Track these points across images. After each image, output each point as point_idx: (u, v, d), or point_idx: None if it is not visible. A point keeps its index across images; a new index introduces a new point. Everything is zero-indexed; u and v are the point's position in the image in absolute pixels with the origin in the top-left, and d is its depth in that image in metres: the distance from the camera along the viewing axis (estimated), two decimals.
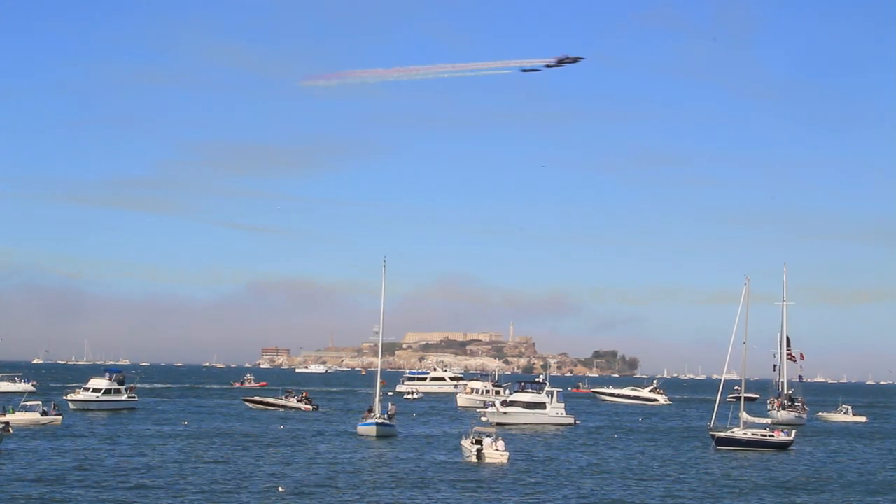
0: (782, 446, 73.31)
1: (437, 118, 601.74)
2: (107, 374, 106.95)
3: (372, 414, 79.03)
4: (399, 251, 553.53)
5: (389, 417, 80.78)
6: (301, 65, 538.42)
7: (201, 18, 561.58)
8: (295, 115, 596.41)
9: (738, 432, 73.97)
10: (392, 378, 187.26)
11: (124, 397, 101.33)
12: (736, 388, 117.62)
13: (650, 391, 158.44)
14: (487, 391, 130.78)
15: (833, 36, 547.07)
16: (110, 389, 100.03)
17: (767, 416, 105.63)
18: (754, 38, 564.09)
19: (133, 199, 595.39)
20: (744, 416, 77.73)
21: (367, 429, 77.01)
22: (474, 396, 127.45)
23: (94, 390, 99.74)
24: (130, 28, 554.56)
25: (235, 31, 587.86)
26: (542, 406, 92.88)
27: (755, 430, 75.38)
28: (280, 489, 47.26)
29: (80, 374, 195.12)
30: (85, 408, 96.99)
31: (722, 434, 73.60)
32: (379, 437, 75.26)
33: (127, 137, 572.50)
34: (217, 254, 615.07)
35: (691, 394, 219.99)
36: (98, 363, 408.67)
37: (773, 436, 74.32)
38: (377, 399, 79.79)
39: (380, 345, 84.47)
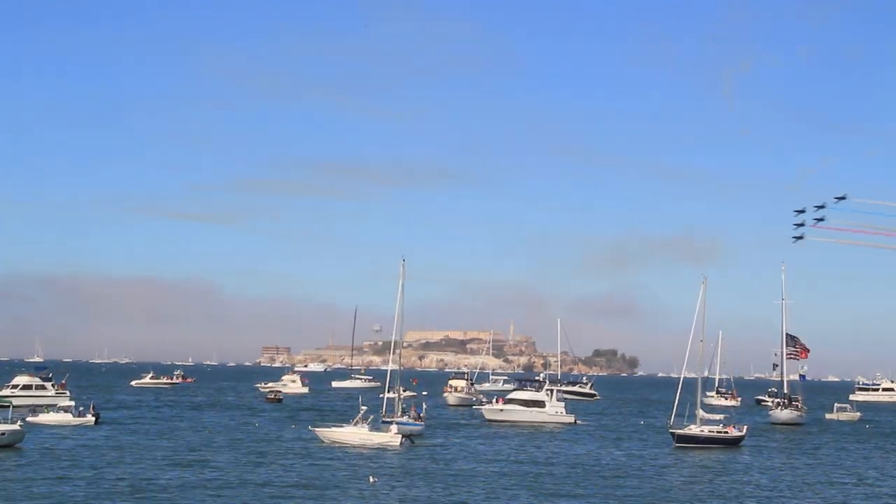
0: (734, 442, 72.55)
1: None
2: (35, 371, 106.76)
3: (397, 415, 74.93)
4: (409, 253, 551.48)
5: (418, 418, 76.68)
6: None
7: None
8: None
9: (695, 429, 72.25)
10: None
11: (51, 394, 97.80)
12: (770, 389, 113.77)
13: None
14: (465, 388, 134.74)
15: (833, 36, 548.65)
16: (30, 385, 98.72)
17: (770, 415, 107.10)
18: (755, 38, 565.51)
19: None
20: (700, 413, 74.65)
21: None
22: (460, 394, 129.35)
23: (13, 386, 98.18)
24: (209, 47, 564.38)
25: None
26: (541, 404, 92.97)
27: (711, 427, 73.65)
28: (371, 478, 46.47)
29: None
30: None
31: (680, 431, 71.71)
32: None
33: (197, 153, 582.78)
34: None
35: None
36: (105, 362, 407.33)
37: (726, 432, 73.08)
38: (398, 400, 76.96)
39: (392, 342, 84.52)
